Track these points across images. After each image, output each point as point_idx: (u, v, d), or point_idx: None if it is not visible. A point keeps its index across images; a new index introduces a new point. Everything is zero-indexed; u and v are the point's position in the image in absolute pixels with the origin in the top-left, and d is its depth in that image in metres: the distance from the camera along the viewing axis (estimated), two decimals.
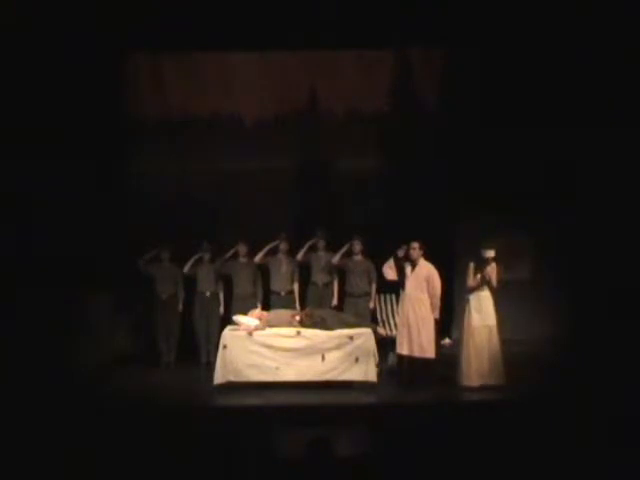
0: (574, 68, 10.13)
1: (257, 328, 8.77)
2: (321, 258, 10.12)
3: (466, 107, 10.86)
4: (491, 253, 8.69)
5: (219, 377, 8.64)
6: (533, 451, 5.57)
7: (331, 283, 10.13)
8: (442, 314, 8.96)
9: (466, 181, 10.80)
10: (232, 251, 10.17)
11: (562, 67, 10.26)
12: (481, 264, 8.66)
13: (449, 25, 10.34)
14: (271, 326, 8.87)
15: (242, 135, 11.36)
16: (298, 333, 8.73)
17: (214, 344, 9.50)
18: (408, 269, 8.75)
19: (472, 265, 8.72)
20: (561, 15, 9.81)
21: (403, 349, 8.71)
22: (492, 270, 8.68)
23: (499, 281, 8.75)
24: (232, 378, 8.62)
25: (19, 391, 7.92)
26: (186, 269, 10.20)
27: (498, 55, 10.56)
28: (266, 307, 9.78)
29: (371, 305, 9.98)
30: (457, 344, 9.26)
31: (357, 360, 8.59)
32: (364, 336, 8.68)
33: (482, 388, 8.50)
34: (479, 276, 8.65)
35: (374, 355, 8.64)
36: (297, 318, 9.01)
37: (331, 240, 10.13)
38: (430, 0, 10.20)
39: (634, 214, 9.70)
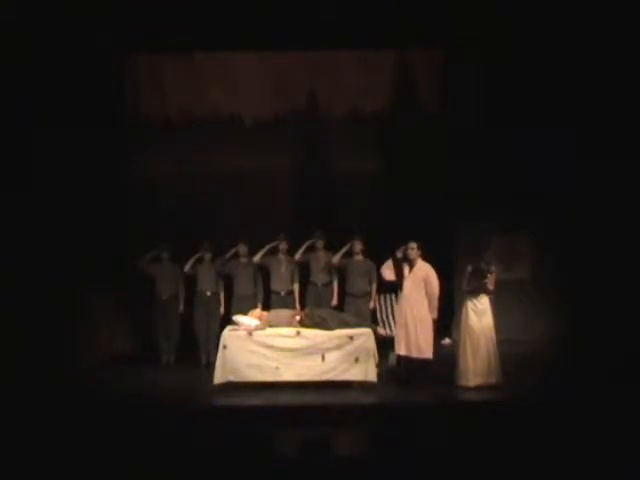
0: (574, 67, 10.13)
1: (257, 328, 8.77)
2: (320, 258, 10.12)
3: (466, 107, 10.86)
4: (492, 268, 8.68)
5: (219, 377, 8.63)
6: (533, 451, 5.56)
7: (330, 283, 10.14)
8: (442, 314, 8.95)
9: (466, 181, 10.80)
10: (232, 251, 10.18)
11: (562, 66, 10.26)
12: (479, 272, 8.65)
13: (449, 25, 10.34)
14: (271, 326, 8.87)
15: (242, 135, 11.37)
16: (298, 333, 8.73)
17: (214, 344, 9.49)
18: (406, 270, 8.75)
19: (469, 270, 8.71)
20: (561, 15, 9.80)
21: (401, 350, 8.70)
22: (490, 280, 8.67)
23: (496, 285, 8.76)
24: (232, 378, 8.61)
25: (19, 391, 7.91)
26: (187, 269, 10.19)
27: (498, 55, 10.56)
28: (266, 307, 9.78)
29: (371, 305, 9.99)
30: (455, 344, 9.26)
31: (357, 360, 8.58)
32: (364, 336, 8.67)
33: (479, 388, 8.50)
34: (475, 284, 8.64)
35: (374, 355, 8.63)
36: (297, 318, 9.01)
37: (331, 240, 10.13)
38: (430, 0, 10.19)
39: (634, 213, 9.70)
